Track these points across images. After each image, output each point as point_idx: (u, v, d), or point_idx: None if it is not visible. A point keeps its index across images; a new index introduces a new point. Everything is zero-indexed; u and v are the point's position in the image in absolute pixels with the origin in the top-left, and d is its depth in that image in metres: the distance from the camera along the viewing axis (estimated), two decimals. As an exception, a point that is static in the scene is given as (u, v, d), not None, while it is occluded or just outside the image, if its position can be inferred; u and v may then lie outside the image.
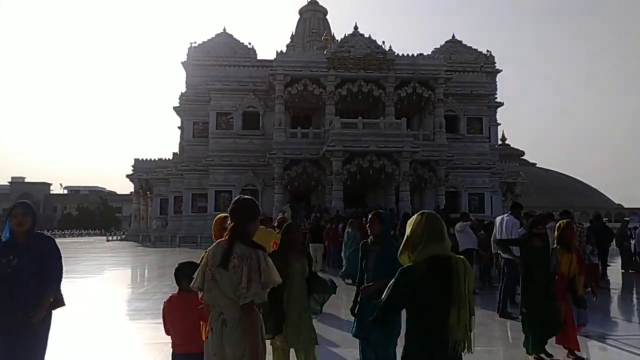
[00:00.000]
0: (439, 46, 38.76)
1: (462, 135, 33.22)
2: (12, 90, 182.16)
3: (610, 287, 12.49)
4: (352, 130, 26.39)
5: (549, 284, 5.73)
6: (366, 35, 30.81)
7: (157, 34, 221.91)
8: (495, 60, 39.15)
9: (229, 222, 2.96)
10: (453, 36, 39.64)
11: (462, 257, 2.64)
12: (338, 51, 30.04)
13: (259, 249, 2.86)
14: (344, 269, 13.03)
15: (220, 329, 2.82)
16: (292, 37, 47.74)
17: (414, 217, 2.72)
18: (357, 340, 4.49)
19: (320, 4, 49.47)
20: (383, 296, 2.61)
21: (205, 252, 2.97)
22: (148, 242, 33.80)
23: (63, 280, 4.09)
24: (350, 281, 11.49)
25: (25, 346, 3.83)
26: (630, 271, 15.41)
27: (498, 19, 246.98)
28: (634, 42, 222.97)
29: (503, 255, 7.85)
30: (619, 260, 16.52)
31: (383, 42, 30.54)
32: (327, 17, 49.63)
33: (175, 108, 37.55)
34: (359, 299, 4.40)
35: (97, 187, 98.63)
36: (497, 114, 37.99)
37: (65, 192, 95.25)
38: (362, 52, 29.85)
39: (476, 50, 39.30)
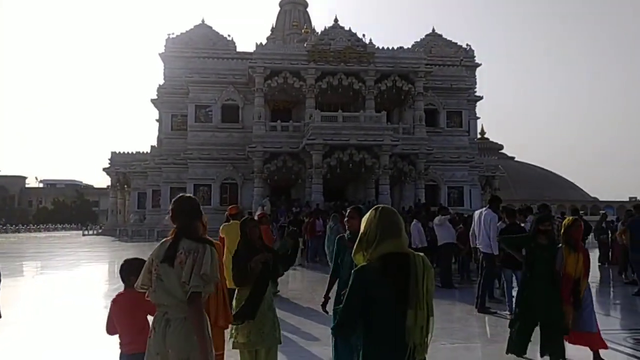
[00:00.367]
0: (419, 40, 38.81)
1: (441, 128, 33.39)
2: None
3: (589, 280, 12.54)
4: (332, 124, 26.36)
5: (555, 285, 5.29)
6: (347, 28, 30.72)
7: (134, 25, 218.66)
8: (475, 54, 39.36)
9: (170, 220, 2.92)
10: (433, 30, 39.71)
11: (421, 254, 2.46)
12: (318, 44, 29.89)
13: (208, 244, 2.81)
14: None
15: (164, 328, 2.74)
16: (273, 29, 47.37)
17: (368, 212, 2.54)
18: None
19: (301, -4, 49.12)
20: (343, 301, 2.44)
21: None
22: (125, 237, 33.38)
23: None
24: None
25: None
26: (605, 265, 15.58)
27: (477, 12, 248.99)
28: (611, 32, 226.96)
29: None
30: (596, 253, 16.71)
31: (363, 35, 30.62)
32: (308, 9, 49.40)
33: (153, 100, 36.90)
34: (329, 295, 4.26)
35: (73, 180, 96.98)
36: (477, 107, 38.25)
37: (41, 185, 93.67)
38: (343, 45, 29.77)
39: (456, 44, 39.44)
